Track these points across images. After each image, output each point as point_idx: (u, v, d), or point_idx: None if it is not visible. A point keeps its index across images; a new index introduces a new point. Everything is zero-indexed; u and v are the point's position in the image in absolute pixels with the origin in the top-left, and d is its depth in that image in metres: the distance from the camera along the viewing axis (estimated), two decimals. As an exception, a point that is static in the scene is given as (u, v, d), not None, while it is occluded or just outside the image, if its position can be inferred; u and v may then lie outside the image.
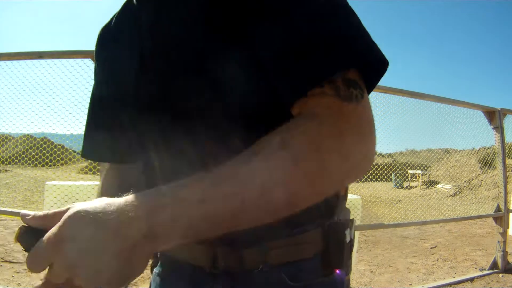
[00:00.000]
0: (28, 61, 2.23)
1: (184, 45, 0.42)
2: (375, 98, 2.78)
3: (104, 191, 0.55)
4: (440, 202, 7.38)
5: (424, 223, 3.48)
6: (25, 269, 2.92)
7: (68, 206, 0.32)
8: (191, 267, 0.48)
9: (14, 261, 3.11)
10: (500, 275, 3.32)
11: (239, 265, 0.44)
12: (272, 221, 0.34)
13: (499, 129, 3.50)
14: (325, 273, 0.46)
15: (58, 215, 0.32)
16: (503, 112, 3.55)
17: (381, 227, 2.97)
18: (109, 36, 0.54)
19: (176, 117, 0.44)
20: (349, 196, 2.93)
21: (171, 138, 0.46)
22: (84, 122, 0.57)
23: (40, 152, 2.38)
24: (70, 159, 2.79)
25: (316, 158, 0.33)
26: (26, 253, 0.31)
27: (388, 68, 0.38)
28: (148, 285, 0.55)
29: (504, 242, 3.42)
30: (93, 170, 2.27)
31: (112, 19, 0.54)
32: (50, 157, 2.40)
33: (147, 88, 0.46)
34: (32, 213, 0.33)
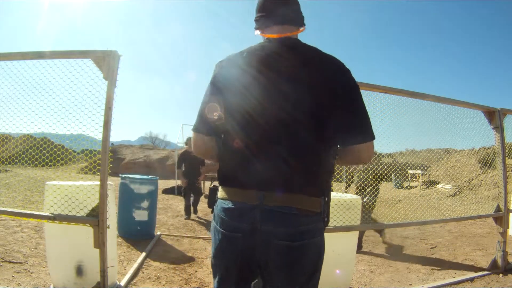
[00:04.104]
0: (28, 61, 2.24)
1: (302, 104, 1.04)
2: (375, 98, 2.79)
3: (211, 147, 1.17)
4: (440, 202, 7.38)
5: (424, 223, 3.48)
6: (25, 269, 2.92)
7: None
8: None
9: (14, 261, 3.11)
10: (500, 275, 3.32)
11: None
12: None
13: (499, 129, 3.50)
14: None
15: None
16: (503, 112, 3.55)
17: (381, 227, 2.96)
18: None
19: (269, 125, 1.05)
20: (349, 196, 2.93)
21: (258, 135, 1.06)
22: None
23: (40, 152, 2.37)
24: (70, 159, 2.79)
25: None
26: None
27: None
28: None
29: (504, 242, 3.42)
30: (93, 170, 2.26)
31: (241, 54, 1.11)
32: (50, 157, 2.40)
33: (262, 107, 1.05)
34: None
